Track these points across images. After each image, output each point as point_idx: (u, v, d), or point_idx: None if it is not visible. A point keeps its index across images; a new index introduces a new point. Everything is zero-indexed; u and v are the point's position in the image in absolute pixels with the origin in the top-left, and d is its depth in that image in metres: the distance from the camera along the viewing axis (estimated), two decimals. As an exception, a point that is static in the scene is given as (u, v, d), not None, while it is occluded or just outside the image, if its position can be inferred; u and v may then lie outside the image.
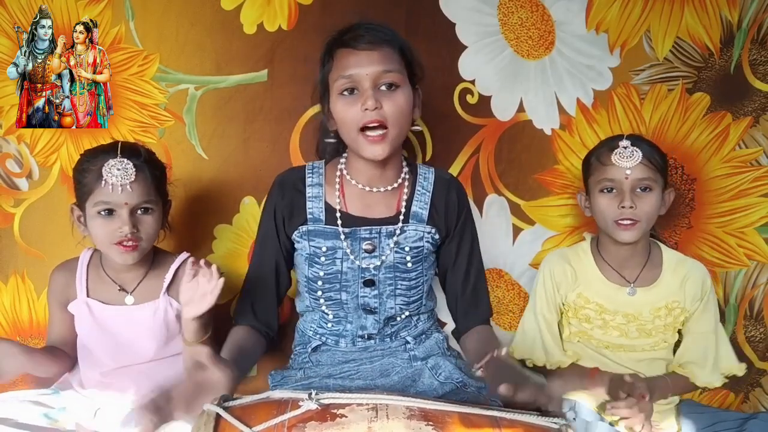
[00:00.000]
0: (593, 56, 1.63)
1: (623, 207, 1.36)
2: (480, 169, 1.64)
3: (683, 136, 1.65)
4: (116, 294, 1.35)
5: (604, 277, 1.47)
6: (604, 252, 1.48)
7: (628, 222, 1.37)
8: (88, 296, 1.35)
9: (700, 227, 1.68)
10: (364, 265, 1.29)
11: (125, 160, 1.26)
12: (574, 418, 1.38)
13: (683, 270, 1.46)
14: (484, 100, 1.62)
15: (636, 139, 1.39)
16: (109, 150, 1.28)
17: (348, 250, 1.29)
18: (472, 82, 1.61)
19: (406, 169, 1.34)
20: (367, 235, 1.29)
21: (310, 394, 0.99)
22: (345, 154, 1.34)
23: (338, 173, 1.32)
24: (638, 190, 1.37)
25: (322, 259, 1.29)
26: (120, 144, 1.30)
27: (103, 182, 1.24)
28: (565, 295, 1.49)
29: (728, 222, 1.68)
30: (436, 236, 1.34)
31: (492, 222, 1.65)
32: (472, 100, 1.62)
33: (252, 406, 1.02)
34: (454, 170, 1.62)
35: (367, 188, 1.30)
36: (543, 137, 1.65)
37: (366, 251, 1.30)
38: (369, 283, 1.30)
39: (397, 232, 1.30)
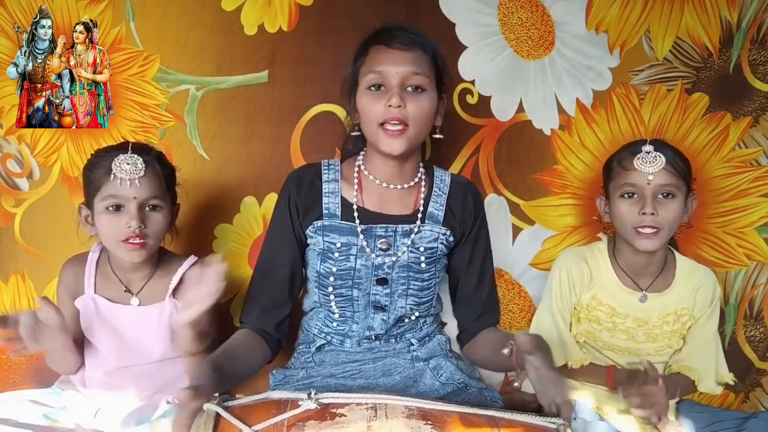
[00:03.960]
0: (593, 56, 1.63)
1: (644, 213, 1.33)
2: (479, 169, 1.64)
3: (682, 136, 1.65)
4: (122, 294, 1.35)
5: (619, 280, 1.45)
6: (620, 257, 1.46)
7: (650, 230, 1.34)
8: (95, 292, 1.35)
9: (700, 227, 1.68)
10: (378, 263, 1.30)
11: (135, 155, 1.26)
12: (574, 418, 1.38)
13: (695, 278, 1.45)
14: (484, 101, 1.62)
15: (659, 144, 1.37)
16: (120, 148, 1.29)
17: (364, 244, 1.29)
18: (472, 82, 1.61)
19: (422, 170, 1.36)
20: (383, 233, 1.30)
21: (310, 393, 0.99)
22: (363, 151, 1.36)
23: (356, 169, 1.34)
24: (660, 196, 1.34)
25: (336, 254, 1.29)
26: (131, 143, 1.30)
27: (112, 176, 1.24)
28: (580, 295, 1.47)
29: (728, 222, 1.68)
30: (451, 238, 1.35)
31: (492, 222, 1.64)
32: (471, 100, 1.62)
33: (251, 405, 1.02)
34: (453, 170, 1.62)
35: (384, 184, 1.32)
36: (542, 137, 1.64)
37: (381, 249, 1.30)
38: (382, 282, 1.31)
39: (414, 231, 1.31)
